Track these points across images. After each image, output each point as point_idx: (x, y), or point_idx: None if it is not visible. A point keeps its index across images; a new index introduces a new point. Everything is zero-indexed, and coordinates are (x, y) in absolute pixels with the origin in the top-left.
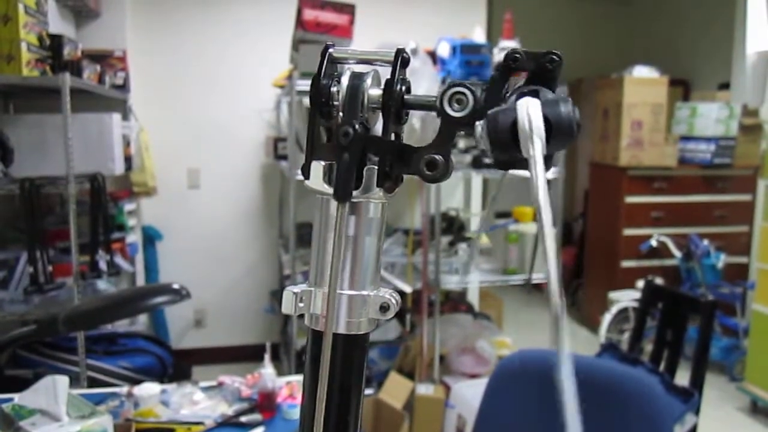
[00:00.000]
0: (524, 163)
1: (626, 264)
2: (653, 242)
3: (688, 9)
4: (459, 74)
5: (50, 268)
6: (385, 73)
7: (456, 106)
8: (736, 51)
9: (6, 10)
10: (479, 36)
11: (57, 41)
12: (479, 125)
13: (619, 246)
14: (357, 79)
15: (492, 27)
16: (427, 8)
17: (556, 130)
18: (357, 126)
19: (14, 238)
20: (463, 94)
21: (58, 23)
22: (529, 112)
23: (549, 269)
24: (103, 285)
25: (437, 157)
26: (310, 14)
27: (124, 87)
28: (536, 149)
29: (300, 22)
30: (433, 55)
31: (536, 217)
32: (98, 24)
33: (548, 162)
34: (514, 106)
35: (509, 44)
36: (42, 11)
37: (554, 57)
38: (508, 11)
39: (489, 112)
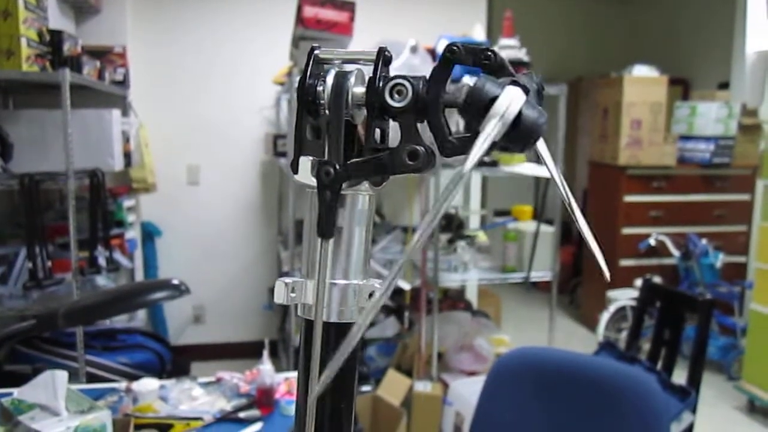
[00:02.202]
0: (469, 145)
1: (625, 263)
2: (652, 241)
3: (688, 8)
4: (458, 72)
5: (49, 263)
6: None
7: (396, 96)
8: (735, 50)
9: (6, 6)
10: (479, 34)
11: (57, 37)
12: (468, 77)
13: (617, 245)
14: (341, 78)
15: (492, 25)
16: (428, 6)
17: (520, 130)
18: (338, 166)
19: (13, 233)
20: (403, 85)
21: (58, 19)
22: (512, 99)
23: (421, 228)
24: (102, 281)
25: (418, 147)
26: (310, 11)
27: (123, 83)
28: (493, 130)
29: (300, 19)
30: (432, 53)
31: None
32: (98, 20)
33: (489, 150)
34: (504, 86)
35: (509, 42)
36: (42, 7)
37: (490, 53)
38: (509, 9)
39: (482, 75)
